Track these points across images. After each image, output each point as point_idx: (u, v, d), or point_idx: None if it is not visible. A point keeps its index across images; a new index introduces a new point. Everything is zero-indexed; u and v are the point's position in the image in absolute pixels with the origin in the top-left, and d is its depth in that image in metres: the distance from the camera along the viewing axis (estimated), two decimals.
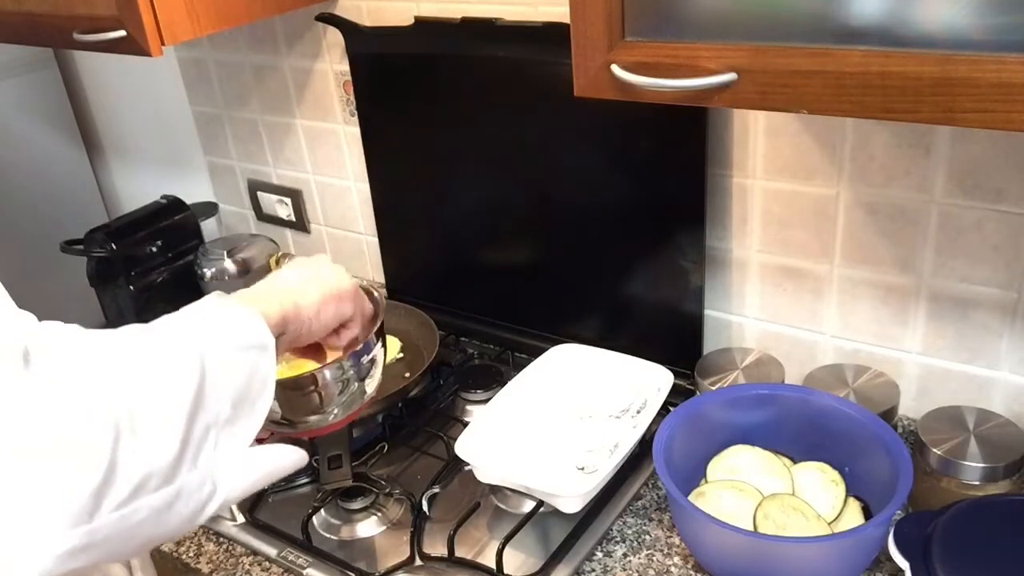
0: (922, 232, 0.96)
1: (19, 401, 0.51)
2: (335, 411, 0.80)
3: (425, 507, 1.02)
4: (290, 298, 0.72)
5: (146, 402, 0.55)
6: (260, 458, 0.65)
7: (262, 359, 0.65)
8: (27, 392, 0.51)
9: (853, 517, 0.90)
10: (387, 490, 1.05)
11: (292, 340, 0.73)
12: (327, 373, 0.77)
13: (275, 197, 1.59)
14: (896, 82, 0.61)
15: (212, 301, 0.66)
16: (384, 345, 0.84)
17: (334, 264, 0.79)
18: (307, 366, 0.79)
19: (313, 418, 0.79)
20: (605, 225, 1.16)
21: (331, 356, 0.81)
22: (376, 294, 0.86)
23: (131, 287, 1.50)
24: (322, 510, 1.04)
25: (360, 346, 0.80)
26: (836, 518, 0.90)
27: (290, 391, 0.76)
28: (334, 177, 1.48)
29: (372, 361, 0.82)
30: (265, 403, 0.65)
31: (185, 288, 1.52)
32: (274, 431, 0.78)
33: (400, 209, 1.38)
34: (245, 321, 0.65)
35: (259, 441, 0.66)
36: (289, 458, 0.68)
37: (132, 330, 0.61)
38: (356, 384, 0.80)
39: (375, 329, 0.81)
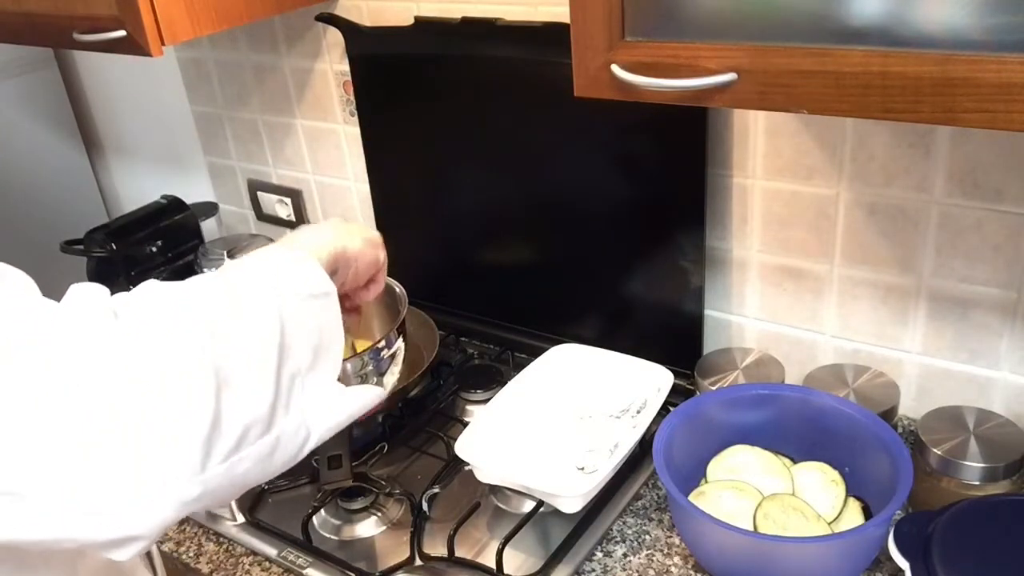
0: (922, 232, 0.96)
1: (120, 356, 0.53)
2: None
3: (425, 507, 1.02)
4: (339, 242, 0.76)
5: (236, 356, 0.58)
6: (344, 399, 0.69)
7: (328, 305, 0.68)
8: (126, 348, 0.54)
9: (853, 517, 0.90)
10: (387, 490, 1.05)
11: (339, 285, 0.75)
12: (347, 366, 0.78)
13: (275, 197, 1.59)
14: (896, 82, 0.61)
15: (273, 251, 0.70)
16: (405, 340, 0.84)
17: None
18: None
19: None
20: (605, 225, 1.16)
21: (355, 331, 0.81)
22: (398, 289, 0.86)
23: (131, 287, 1.49)
24: (322, 510, 1.04)
25: (381, 341, 0.80)
26: (836, 518, 0.90)
27: None
28: (334, 177, 1.48)
29: (392, 356, 0.82)
30: (339, 347, 0.68)
31: None
32: None
33: (400, 209, 1.38)
34: (309, 270, 0.68)
35: None
36: (368, 396, 0.72)
37: (207, 283, 0.63)
38: (375, 379, 0.81)
39: (397, 325, 0.82)
